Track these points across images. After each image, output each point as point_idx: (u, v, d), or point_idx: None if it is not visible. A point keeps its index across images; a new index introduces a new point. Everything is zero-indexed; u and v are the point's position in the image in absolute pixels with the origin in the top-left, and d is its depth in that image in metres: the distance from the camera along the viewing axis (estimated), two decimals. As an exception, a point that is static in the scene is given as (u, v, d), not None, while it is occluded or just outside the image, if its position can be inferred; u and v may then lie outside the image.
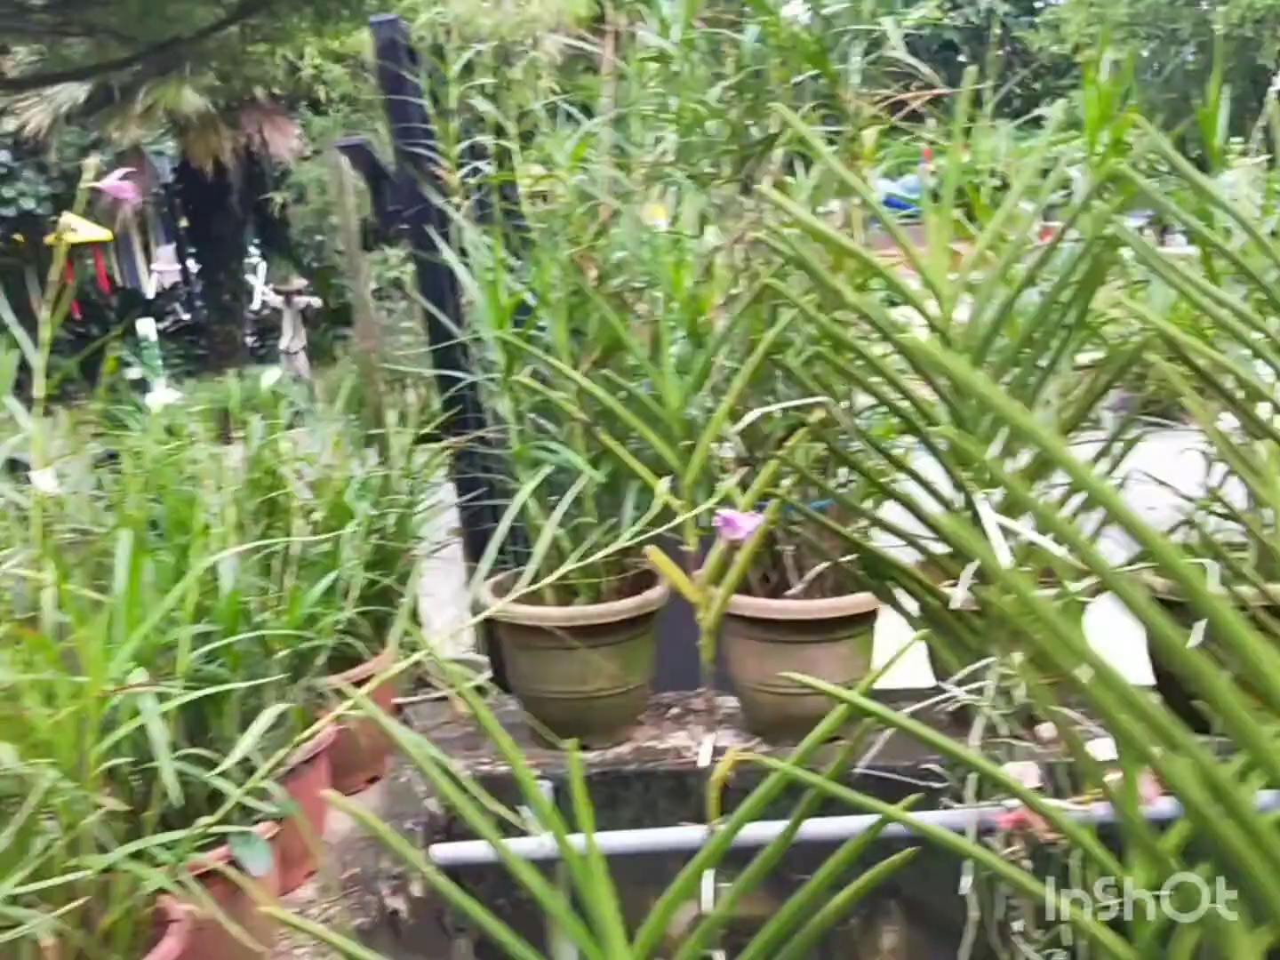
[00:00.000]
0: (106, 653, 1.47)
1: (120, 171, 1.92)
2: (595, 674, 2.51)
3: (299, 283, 18.84)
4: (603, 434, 2.11)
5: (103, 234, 25.07)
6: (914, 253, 1.65)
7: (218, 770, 1.64)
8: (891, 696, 2.75)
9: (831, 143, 2.14)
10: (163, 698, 1.56)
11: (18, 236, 20.87)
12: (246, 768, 1.83)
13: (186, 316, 24.33)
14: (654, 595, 2.55)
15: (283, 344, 18.58)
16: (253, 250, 23.59)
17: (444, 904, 2.57)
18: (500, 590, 2.65)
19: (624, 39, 2.49)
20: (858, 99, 2.15)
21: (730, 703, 2.82)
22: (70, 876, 1.37)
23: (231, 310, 21.35)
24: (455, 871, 2.66)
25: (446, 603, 3.30)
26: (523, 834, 1.81)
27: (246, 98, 19.51)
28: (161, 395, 2.39)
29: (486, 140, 2.59)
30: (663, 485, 1.63)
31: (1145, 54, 24.17)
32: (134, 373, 18.49)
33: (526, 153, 2.49)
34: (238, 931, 1.57)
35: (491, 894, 2.64)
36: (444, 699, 2.83)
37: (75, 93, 18.69)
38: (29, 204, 19.38)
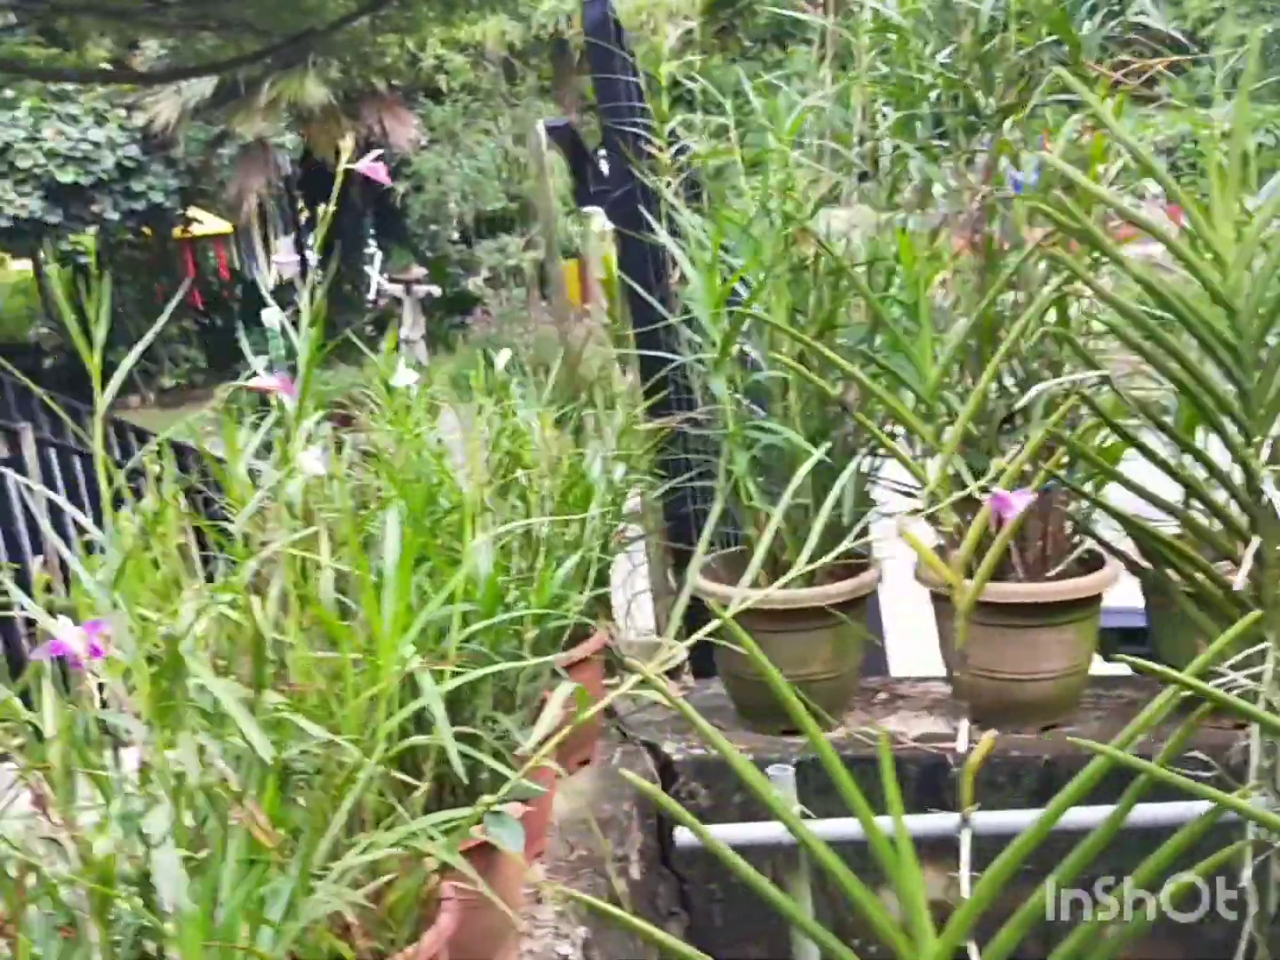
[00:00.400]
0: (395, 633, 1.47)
1: (373, 154, 1.92)
2: (810, 658, 2.47)
3: (418, 271, 19.03)
4: (859, 413, 2.07)
5: (224, 227, 25.56)
6: (1199, 219, 1.59)
7: (518, 749, 1.65)
8: (1112, 682, 2.69)
9: (1073, 111, 2.08)
10: (440, 677, 1.56)
11: (146, 229, 21.32)
12: (496, 747, 1.83)
13: (276, 309, 24.68)
14: (868, 578, 2.51)
15: (402, 332, 18.77)
16: (369, 241, 23.85)
17: (656, 887, 2.56)
18: (709, 573, 2.63)
19: (838, 7, 2.43)
20: (1096, 66, 2.08)
21: (937, 688, 2.77)
22: (372, 855, 1.36)
23: (351, 300, 21.59)
24: (665, 857, 2.66)
25: (616, 587, 3.29)
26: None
27: (367, 89, 19.73)
28: (405, 376, 2.37)
29: (695, 118, 2.55)
30: (932, 466, 1.59)
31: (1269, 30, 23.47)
32: (262, 362, 18.85)
33: (740, 129, 2.45)
34: (505, 908, 1.56)
35: (704, 879, 2.64)
36: (672, 675, 2.81)
37: (202, 87, 19.03)
38: (157, 197, 19.76)
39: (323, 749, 1.35)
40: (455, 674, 1.60)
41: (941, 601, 2.49)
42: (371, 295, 23.43)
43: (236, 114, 19.53)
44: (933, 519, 2.56)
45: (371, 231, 23.15)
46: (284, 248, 30.16)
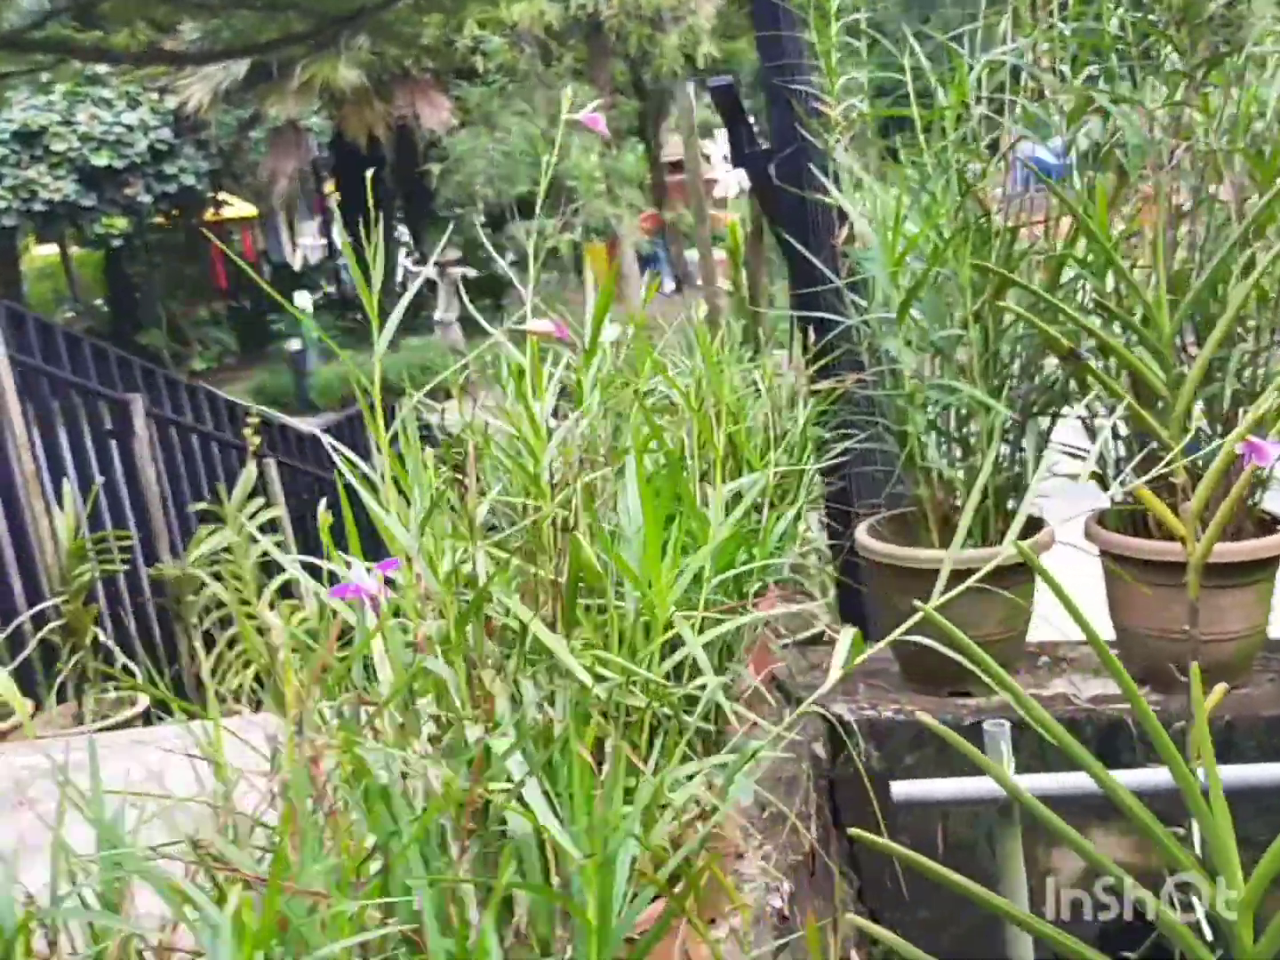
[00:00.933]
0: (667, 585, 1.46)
1: (595, 103, 1.90)
2: (984, 620, 2.46)
3: (454, 254, 19.00)
4: (1089, 366, 2.05)
5: (249, 210, 25.58)
6: None
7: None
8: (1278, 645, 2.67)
9: None
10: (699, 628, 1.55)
11: (175, 212, 21.34)
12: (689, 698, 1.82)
13: (331, 289, 24.71)
14: (1044, 539, 2.49)
15: (437, 315, 18.80)
16: (398, 224, 23.85)
17: (829, 847, 2.56)
18: (874, 534, 2.61)
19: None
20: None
21: (1084, 650, 2.76)
22: (687, 793, 1.35)
23: (381, 283, 21.55)
24: (836, 818, 2.66)
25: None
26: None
27: (399, 71, 19.72)
28: (610, 331, 2.34)
29: (862, 76, 2.53)
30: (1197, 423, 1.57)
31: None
32: (294, 344, 18.89)
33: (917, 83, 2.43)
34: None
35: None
36: (811, 642, 2.81)
37: (234, 70, 19.02)
38: (189, 180, 19.78)
39: (609, 692, 1.35)
40: (704, 625, 1.59)
41: (1114, 561, 2.47)
42: (399, 278, 23.44)
43: (268, 97, 19.51)
44: (1103, 483, 2.55)
45: (400, 215, 23.15)
46: (308, 231, 30.21)
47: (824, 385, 2.51)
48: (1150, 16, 2.16)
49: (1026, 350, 2.45)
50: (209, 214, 22.22)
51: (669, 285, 22.99)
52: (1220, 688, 1.84)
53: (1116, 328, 2.13)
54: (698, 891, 1.21)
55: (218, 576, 4.21)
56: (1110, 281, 2.25)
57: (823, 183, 2.46)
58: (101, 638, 3.71)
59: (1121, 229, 2.32)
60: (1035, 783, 2.13)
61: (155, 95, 19.48)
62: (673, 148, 27.54)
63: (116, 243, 19.57)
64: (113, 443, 4.16)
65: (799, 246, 2.59)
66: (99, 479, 3.86)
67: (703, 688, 1.60)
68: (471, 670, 1.33)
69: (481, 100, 18.49)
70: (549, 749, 1.19)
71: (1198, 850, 1.57)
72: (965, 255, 2.31)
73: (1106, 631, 2.69)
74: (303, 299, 19.72)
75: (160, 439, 4.42)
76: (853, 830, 1.47)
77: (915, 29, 2.53)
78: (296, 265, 26.76)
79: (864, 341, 2.55)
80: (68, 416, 3.90)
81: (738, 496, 1.75)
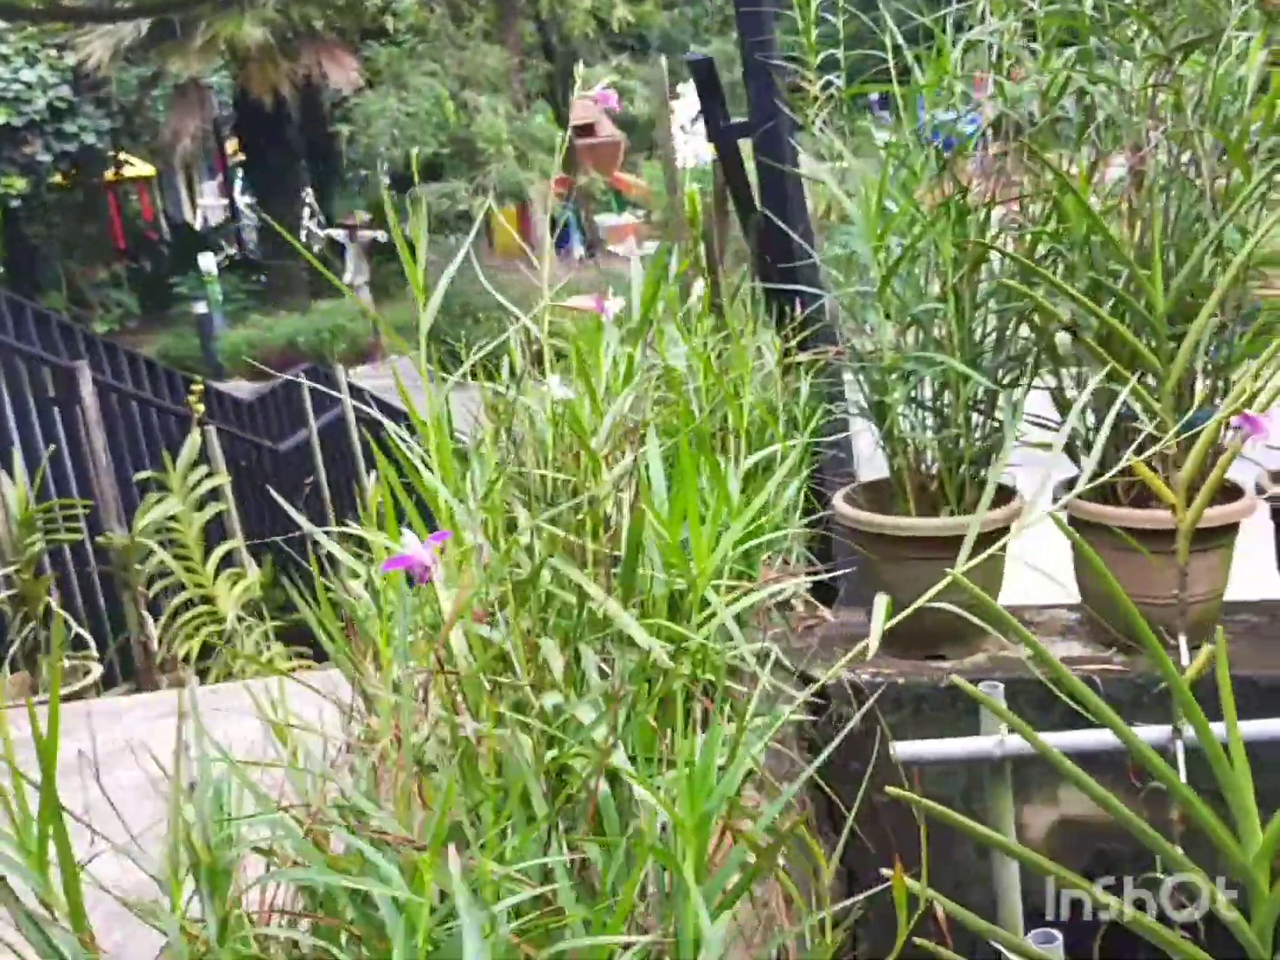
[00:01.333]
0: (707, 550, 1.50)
1: (604, 81, 1.92)
2: (958, 585, 2.53)
3: (363, 216, 18.80)
4: (1083, 340, 2.12)
5: (147, 170, 25.02)
6: None
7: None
8: (1232, 607, 2.79)
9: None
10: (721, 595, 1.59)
11: (74, 171, 20.82)
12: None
13: (233, 251, 24.32)
14: (1017, 506, 2.57)
15: (347, 277, 18.59)
16: (305, 185, 23.48)
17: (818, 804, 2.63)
18: (850, 501, 2.68)
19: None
20: None
21: (1063, 615, 2.86)
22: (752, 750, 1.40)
23: (285, 245, 21.22)
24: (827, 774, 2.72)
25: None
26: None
27: (305, 30, 19.38)
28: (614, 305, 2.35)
29: (838, 53, 2.58)
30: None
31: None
32: (199, 307, 18.56)
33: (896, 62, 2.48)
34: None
35: (849, 800, 2.70)
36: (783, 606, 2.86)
37: (136, 26, 18.58)
38: (90, 139, 19.31)
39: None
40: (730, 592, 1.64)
41: (1088, 530, 2.55)
42: (304, 239, 23.09)
43: (171, 54, 19.06)
44: (1071, 453, 2.64)
45: (306, 176, 22.79)
46: (208, 191, 29.65)
47: (804, 358, 2.56)
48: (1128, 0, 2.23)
49: (1001, 323, 2.52)
50: (109, 174, 21.71)
51: (579, 250, 22.92)
52: (1207, 649, 1.94)
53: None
54: (786, 849, 1.26)
55: (164, 544, 4.17)
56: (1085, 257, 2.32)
57: (800, 157, 2.51)
58: (54, 607, 3.67)
59: (1101, 207, 2.39)
60: (1016, 742, 2.23)
61: (54, 52, 18.96)
62: (579, 111, 27.45)
63: (15, 203, 19.05)
64: (55, 410, 4.10)
65: (778, 221, 2.63)
66: (48, 448, 3.81)
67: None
68: (529, 639, 1.37)
69: (391, 60, 18.25)
70: (614, 714, 1.23)
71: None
72: (947, 229, 2.38)
73: (1071, 598, 2.79)
74: (207, 261, 19.37)
75: (102, 406, 4.36)
76: (890, 789, 1.53)
77: (895, 7, 2.58)
78: (197, 226, 26.25)
79: (844, 316, 2.61)
80: (11, 384, 3.84)
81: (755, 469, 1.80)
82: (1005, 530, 2.61)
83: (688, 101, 3.61)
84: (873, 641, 1.54)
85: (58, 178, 20.29)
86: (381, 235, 18.80)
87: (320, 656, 4.95)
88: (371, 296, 18.57)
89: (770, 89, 2.59)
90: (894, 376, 2.46)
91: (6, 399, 3.80)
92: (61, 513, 3.75)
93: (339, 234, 19.12)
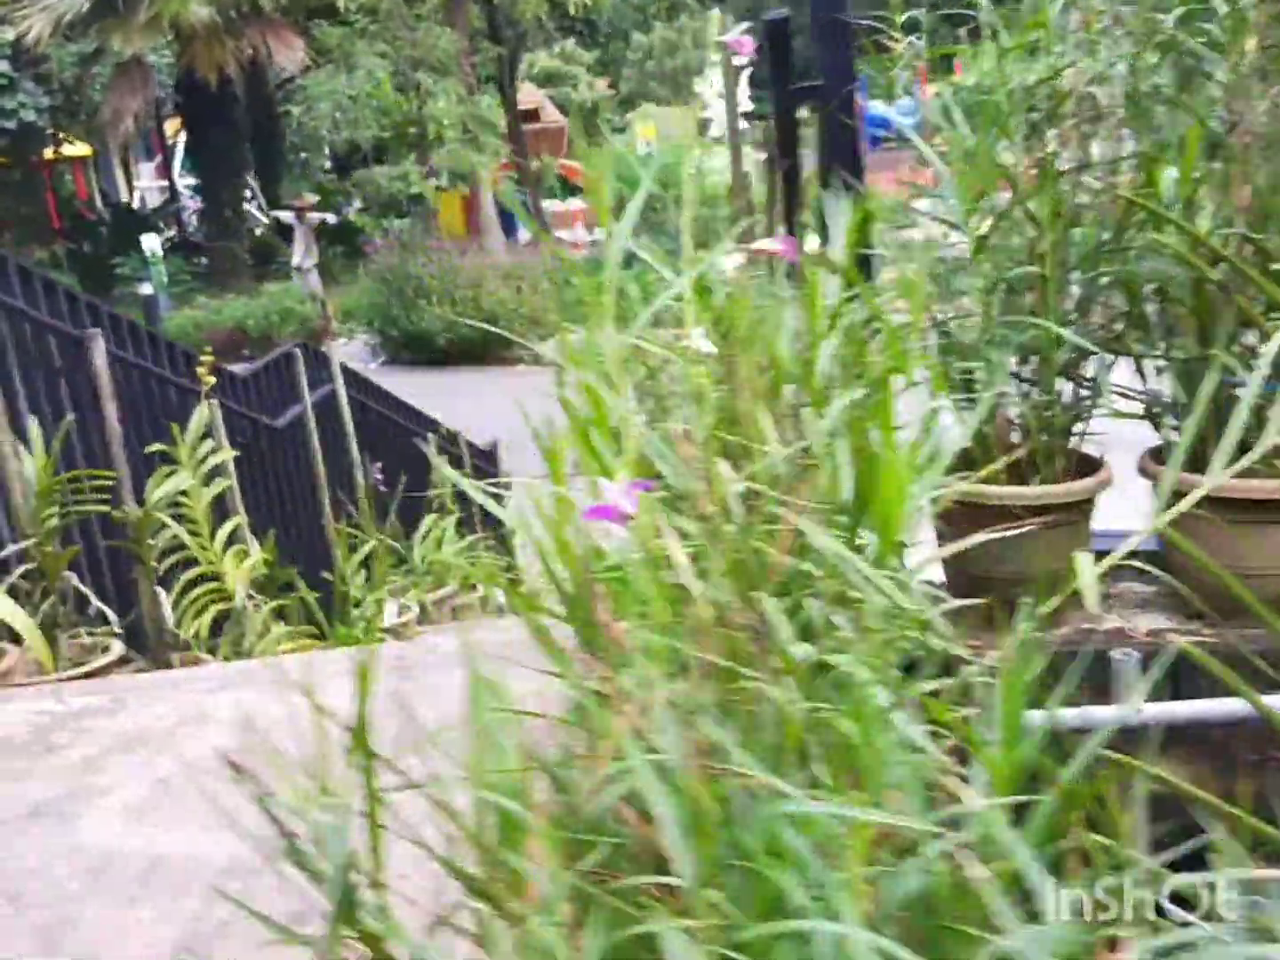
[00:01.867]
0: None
1: (741, 26, 1.86)
2: (1047, 555, 2.51)
3: (311, 198, 18.57)
4: (1238, 297, 2.09)
5: (83, 150, 24.58)
6: None
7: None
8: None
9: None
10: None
11: (9, 149, 20.41)
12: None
13: (173, 233, 23.97)
14: (1105, 476, 2.55)
15: (295, 260, 18.35)
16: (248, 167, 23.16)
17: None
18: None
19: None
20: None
21: (1138, 587, 2.84)
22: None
23: (232, 226, 20.97)
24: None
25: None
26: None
27: (251, 8, 19.10)
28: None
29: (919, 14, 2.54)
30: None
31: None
32: (145, 288, 18.23)
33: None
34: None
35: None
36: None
37: (77, 1, 18.22)
38: (29, 116, 18.91)
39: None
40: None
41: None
42: (249, 222, 22.79)
43: (113, 31, 18.72)
44: (1154, 422, 2.62)
45: (250, 159, 22.47)
46: (145, 172, 29.18)
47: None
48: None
49: (1089, 291, 2.50)
50: (47, 152, 21.28)
51: (525, 234, 22.81)
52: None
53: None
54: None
55: (178, 519, 4.08)
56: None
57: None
58: (75, 583, 3.57)
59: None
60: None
61: (-9, 25, 18.57)
62: (525, 95, 27.30)
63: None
64: (62, 380, 3.98)
65: (856, 183, 2.59)
66: (58, 419, 3.69)
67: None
68: (749, 597, 1.31)
69: (340, 41, 18.03)
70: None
71: None
72: (1050, 190, 2.35)
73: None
74: (151, 242, 19.03)
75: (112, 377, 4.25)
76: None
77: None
78: (135, 207, 25.81)
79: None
80: (24, 353, 3.72)
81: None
82: (1091, 501, 2.60)
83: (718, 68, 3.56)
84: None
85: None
86: (330, 218, 18.58)
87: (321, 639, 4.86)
88: (319, 279, 18.34)
89: (846, 50, 2.55)
90: (986, 341, 2.43)
91: (16, 369, 3.68)
92: (78, 485, 3.64)
93: (287, 216, 18.85)
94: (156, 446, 4.03)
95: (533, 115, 27.39)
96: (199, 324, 17.29)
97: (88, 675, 3.42)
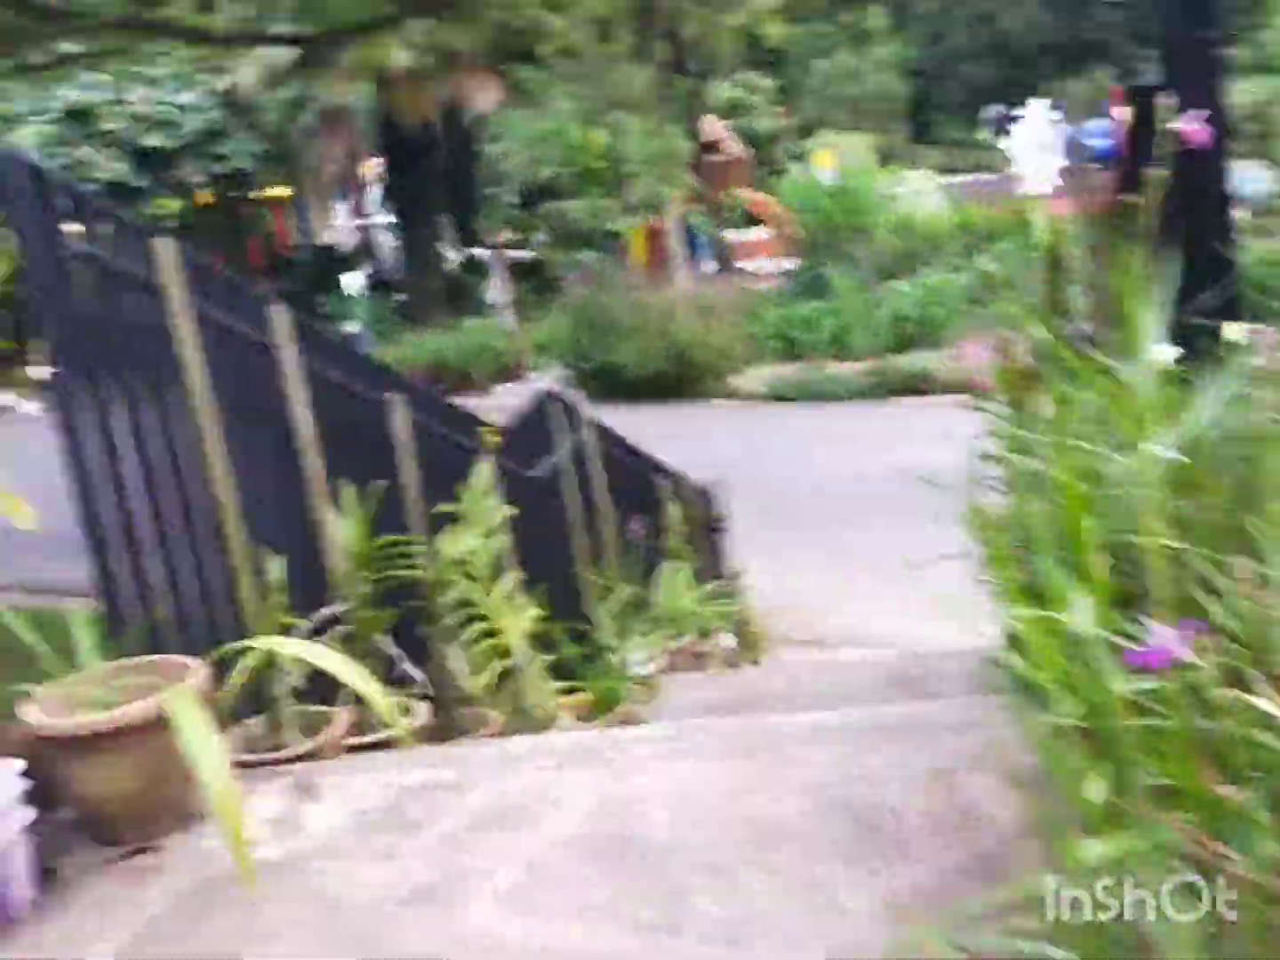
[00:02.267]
0: None
1: (1197, 114, 1.82)
2: None
3: (508, 236, 18.92)
4: None
5: (284, 190, 25.42)
6: None
7: None
8: None
9: None
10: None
11: (220, 193, 21.23)
12: None
13: (370, 271, 24.58)
14: None
15: (489, 296, 18.71)
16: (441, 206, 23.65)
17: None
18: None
19: None
20: None
21: None
22: None
23: (429, 264, 21.46)
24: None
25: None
26: None
27: (451, 52, 19.56)
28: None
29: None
30: None
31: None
32: (351, 326, 18.78)
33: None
34: None
35: None
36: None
37: (286, 51, 18.88)
38: (239, 162, 19.68)
39: None
40: None
41: None
42: (442, 260, 23.21)
43: (319, 79, 19.36)
44: None
45: (445, 198, 22.96)
46: (342, 213, 30.05)
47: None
48: None
49: None
50: (252, 195, 22.11)
51: (711, 265, 22.89)
52: None
53: None
54: None
55: (469, 577, 4.16)
56: None
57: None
58: (390, 646, 3.66)
59: None
60: None
61: (206, 75, 19.37)
62: (707, 125, 27.39)
63: (169, 225, 19.45)
64: (363, 443, 4.09)
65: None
66: (365, 482, 3.80)
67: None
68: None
69: (535, 82, 18.38)
70: None
71: None
72: None
73: None
74: (353, 280, 19.60)
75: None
76: None
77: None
78: (332, 247, 26.55)
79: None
80: (332, 420, 3.83)
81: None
82: None
83: (1032, 120, 3.53)
84: None
85: (205, 199, 20.71)
86: (526, 255, 18.91)
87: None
88: (514, 314, 18.67)
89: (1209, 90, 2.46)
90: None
91: (329, 436, 3.79)
92: (386, 550, 3.74)
93: (485, 254, 19.24)
94: (449, 507, 4.12)
95: (713, 146, 27.50)
96: (400, 360, 17.72)
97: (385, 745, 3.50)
